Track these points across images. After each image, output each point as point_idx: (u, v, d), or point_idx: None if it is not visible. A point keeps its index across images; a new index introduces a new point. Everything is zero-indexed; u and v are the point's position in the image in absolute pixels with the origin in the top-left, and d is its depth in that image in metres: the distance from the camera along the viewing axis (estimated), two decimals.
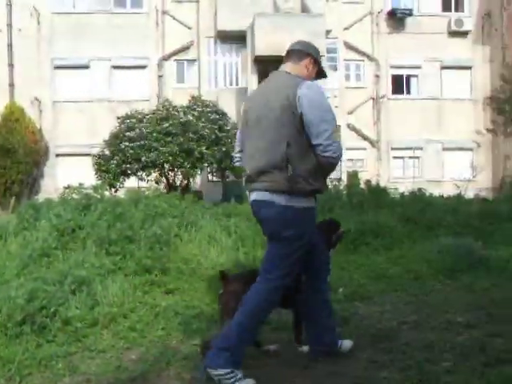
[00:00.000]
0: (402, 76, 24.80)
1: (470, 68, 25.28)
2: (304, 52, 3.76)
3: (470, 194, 13.65)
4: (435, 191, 13.13)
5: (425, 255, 7.04)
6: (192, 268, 6.59)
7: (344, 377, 3.55)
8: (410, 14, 24.71)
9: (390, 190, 11.54)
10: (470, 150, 24.54)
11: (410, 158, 24.09)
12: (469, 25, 25.11)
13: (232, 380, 3.35)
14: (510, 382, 3.19)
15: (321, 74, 3.88)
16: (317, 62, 3.81)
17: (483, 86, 24.59)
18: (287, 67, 3.72)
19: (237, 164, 4.07)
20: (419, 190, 11.22)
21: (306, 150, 3.45)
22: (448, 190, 14.79)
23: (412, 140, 23.80)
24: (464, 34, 25.10)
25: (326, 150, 3.41)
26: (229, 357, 3.36)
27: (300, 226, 3.51)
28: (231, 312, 3.58)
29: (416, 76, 24.80)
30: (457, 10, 25.74)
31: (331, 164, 3.51)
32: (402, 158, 24.28)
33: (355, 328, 4.56)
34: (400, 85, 24.82)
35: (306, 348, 4.02)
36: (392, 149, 24.16)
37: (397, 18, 24.70)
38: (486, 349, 3.89)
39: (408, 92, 24.90)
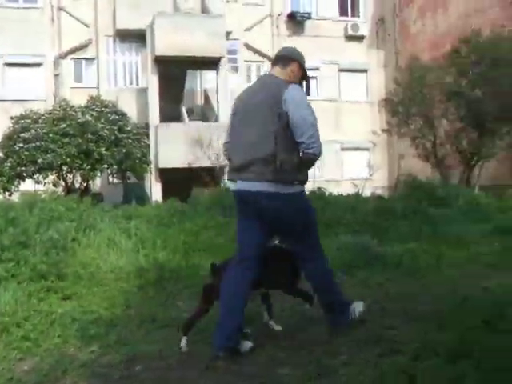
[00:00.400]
0: None
1: (365, 71, 26.27)
2: (290, 58, 4.15)
3: (367, 193, 14.18)
4: (335, 190, 13.52)
5: (324, 252, 7.19)
6: (90, 272, 6.43)
7: (245, 375, 3.58)
8: (309, 18, 25.36)
9: None
10: (367, 149, 25.50)
11: None
12: (364, 30, 26.10)
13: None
14: (401, 370, 3.32)
15: (304, 77, 4.21)
16: (301, 67, 4.17)
17: (378, 88, 25.61)
18: (275, 71, 4.11)
19: (225, 153, 4.33)
20: (319, 189, 11.50)
21: (291, 145, 3.82)
22: (347, 189, 15.26)
23: None
24: (360, 38, 26.05)
25: (308, 147, 3.82)
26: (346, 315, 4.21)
27: (297, 205, 3.98)
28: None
29: (315, 78, 25.42)
30: (353, 15, 26.68)
31: (312, 160, 3.92)
32: None
33: (260, 326, 4.59)
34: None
35: (278, 327, 4.44)
36: None
37: (296, 21, 25.27)
38: (381, 341, 4.03)
39: (307, 93, 25.46)
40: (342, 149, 25.10)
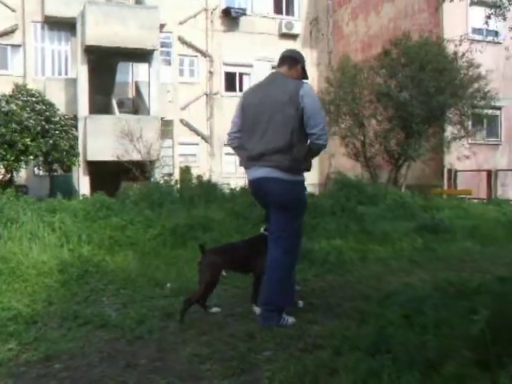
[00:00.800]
0: (234, 74, 25.42)
1: None
2: (296, 60, 4.73)
3: None
4: None
5: None
6: (11, 267, 6.20)
7: (167, 371, 3.55)
8: (244, 14, 25.40)
9: (222, 185, 11.75)
10: None
11: None
12: (298, 28, 26.37)
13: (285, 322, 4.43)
14: (323, 364, 3.38)
15: (304, 76, 4.76)
16: (303, 68, 4.77)
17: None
18: (283, 70, 4.67)
19: (233, 142, 4.81)
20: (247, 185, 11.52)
21: (302, 138, 4.38)
22: None
23: None
24: (294, 36, 26.31)
25: (319, 138, 4.36)
26: (277, 313, 4.42)
27: (299, 194, 4.54)
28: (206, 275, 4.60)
29: (248, 74, 25.53)
30: (288, 13, 26.91)
31: (320, 149, 4.51)
32: (233, 154, 24.80)
33: (181, 322, 4.57)
34: (233, 82, 25.41)
35: (257, 309, 4.68)
36: (224, 145, 24.65)
37: (231, 17, 25.25)
38: (304, 336, 4.10)
39: (240, 89, 25.51)
40: None
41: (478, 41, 19.21)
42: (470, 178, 19.02)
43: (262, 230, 4.91)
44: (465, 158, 18.08)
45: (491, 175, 18.30)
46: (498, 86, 18.37)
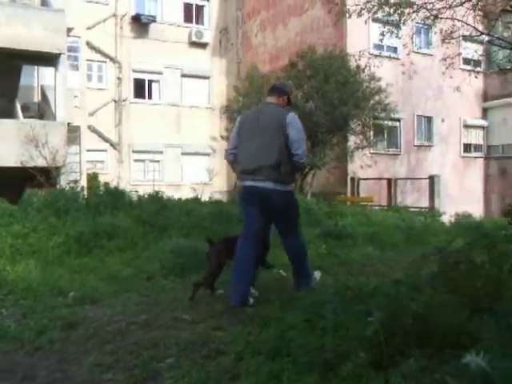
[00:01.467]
0: (144, 81, 25.09)
1: (208, 78, 26.58)
2: (284, 91, 5.68)
3: (206, 197, 14.30)
4: (175, 194, 13.50)
5: (158, 256, 7.18)
6: None
7: (67, 383, 3.44)
8: (154, 21, 25.14)
9: (130, 192, 11.55)
10: (207, 155, 25.80)
11: (151, 161, 24.48)
12: (208, 37, 26.41)
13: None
14: (225, 370, 3.38)
15: (289, 103, 5.75)
16: (289, 98, 5.75)
17: (220, 95, 26.06)
18: (272, 99, 5.58)
19: (230, 157, 5.66)
20: (157, 192, 11.41)
21: (288, 156, 5.29)
22: (187, 193, 15.32)
23: (153, 144, 24.23)
24: (203, 45, 26.34)
25: (301, 158, 5.34)
26: (307, 281, 5.64)
27: (291, 200, 5.54)
28: (214, 262, 5.59)
29: (157, 82, 25.29)
30: (198, 22, 26.88)
31: (301, 166, 5.78)
32: (142, 161, 24.54)
33: (84, 332, 4.45)
34: (142, 89, 25.08)
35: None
36: (133, 152, 24.31)
37: (141, 24, 24.93)
38: (208, 342, 4.08)
39: (150, 97, 25.27)
40: (183, 153, 25.18)
41: (379, 56, 19.98)
42: (372, 186, 19.73)
43: None
44: (367, 167, 18.79)
45: (391, 183, 18.94)
46: (397, 99, 19.20)
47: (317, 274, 6.23)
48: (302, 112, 16.51)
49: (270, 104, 5.53)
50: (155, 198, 11.06)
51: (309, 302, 4.38)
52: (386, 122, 19.33)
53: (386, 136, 21.15)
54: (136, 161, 24.40)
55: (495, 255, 4.36)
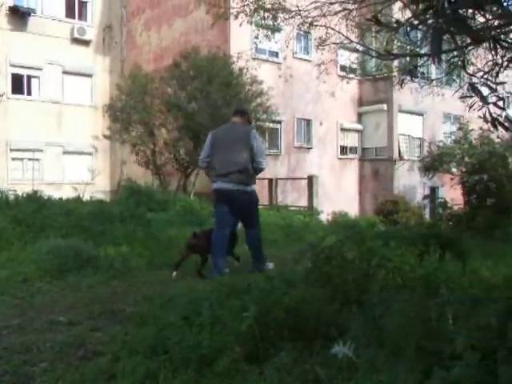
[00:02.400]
0: (22, 76, 23.82)
1: (90, 76, 25.78)
2: (245, 113, 7.32)
3: (87, 197, 13.88)
4: (56, 194, 12.99)
5: (34, 257, 6.86)
6: None
7: None
8: (34, 14, 23.94)
9: (8, 191, 10.98)
10: (89, 154, 25.01)
11: (30, 159, 23.33)
12: (91, 34, 25.61)
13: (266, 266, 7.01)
14: (102, 371, 3.30)
15: (249, 122, 7.56)
16: (249, 117, 7.53)
17: (103, 94, 25.30)
18: (237, 119, 7.05)
19: (203, 164, 7.11)
20: (35, 192, 10.93)
21: (251, 163, 6.73)
22: (68, 193, 14.79)
23: (32, 142, 23.12)
24: (86, 42, 25.51)
25: (261, 164, 6.79)
26: (262, 264, 6.96)
27: (255, 198, 6.99)
28: (203, 250, 6.82)
29: (37, 77, 24.13)
30: (80, 18, 25.96)
31: (261, 171, 6.97)
32: (21, 159, 23.31)
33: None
34: (20, 85, 23.83)
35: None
36: (11, 150, 23.04)
37: (19, 16, 23.63)
38: (85, 344, 3.97)
39: (29, 93, 24.03)
40: (64, 152, 24.21)
41: (260, 59, 20.37)
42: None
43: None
44: None
45: (272, 183, 19.32)
46: (278, 101, 19.68)
47: (271, 265, 7.10)
48: (185, 113, 16.50)
49: (237, 123, 6.99)
50: (33, 198, 10.57)
51: (187, 299, 4.38)
52: (267, 124, 19.63)
53: (267, 137, 21.56)
54: (14, 159, 23.15)
55: (364, 251, 4.59)
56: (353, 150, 25.15)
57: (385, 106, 23.81)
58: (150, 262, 7.43)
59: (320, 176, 19.80)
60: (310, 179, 18.58)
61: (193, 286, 5.52)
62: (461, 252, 4.77)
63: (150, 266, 7.29)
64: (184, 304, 4.29)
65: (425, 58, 7.24)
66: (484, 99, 3.10)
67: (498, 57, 4.69)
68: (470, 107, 3.73)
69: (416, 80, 10.02)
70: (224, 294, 4.07)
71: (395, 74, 12.94)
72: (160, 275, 6.76)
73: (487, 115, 3.19)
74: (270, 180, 19.47)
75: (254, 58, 19.64)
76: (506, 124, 3.40)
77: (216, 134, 7.03)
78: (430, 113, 25.24)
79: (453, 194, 16.17)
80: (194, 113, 16.30)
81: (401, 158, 24.07)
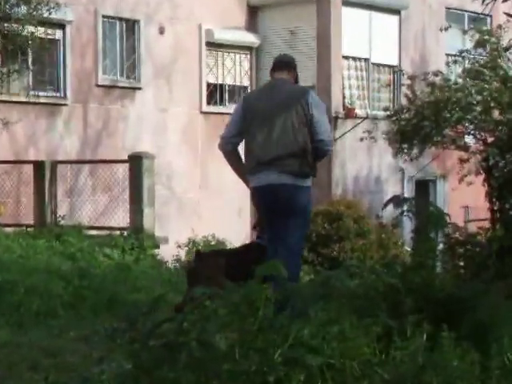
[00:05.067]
0: None
1: None
2: (293, 66, 4.78)
3: None
4: None
5: None
6: None
7: None
8: None
9: None
10: None
11: None
12: None
13: None
14: None
15: (297, 80, 4.83)
16: (296, 72, 4.83)
17: None
18: (284, 75, 4.64)
19: (227, 147, 4.59)
20: None
21: (309, 144, 4.36)
22: None
23: None
24: None
25: (327, 144, 4.52)
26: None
27: (308, 200, 4.54)
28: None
29: None
30: None
31: (326, 155, 4.77)
32: None
33: None
34: None
35: None
36: None
37: None
38: None
39: None
40: None
41: None
42: None
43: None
44: None
45: (41, 173, 12.27)
46: None
47: None
48: None
49: (283, 81, 4.64)
50: None
51: None
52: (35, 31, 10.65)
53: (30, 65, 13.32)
54: None
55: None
56: (238, 91, 14.12)
57: None
58: None
59: (162, 156, 10.97)
60: (137, 162, 9.80)
61: None
62: (480, 329, 2.51)
63: None
64: None
65: None
66: None
67: None
68: None
69: None
70: None
71: None
72: None
73: None
74: (37, 165, 10.69)
75: None
76: None
77: (250, 98, 5.00)
78: (416, 7, 13.75)
79: (466, 195, 10.63)
80: None
81: (348, 113, 13.25)
